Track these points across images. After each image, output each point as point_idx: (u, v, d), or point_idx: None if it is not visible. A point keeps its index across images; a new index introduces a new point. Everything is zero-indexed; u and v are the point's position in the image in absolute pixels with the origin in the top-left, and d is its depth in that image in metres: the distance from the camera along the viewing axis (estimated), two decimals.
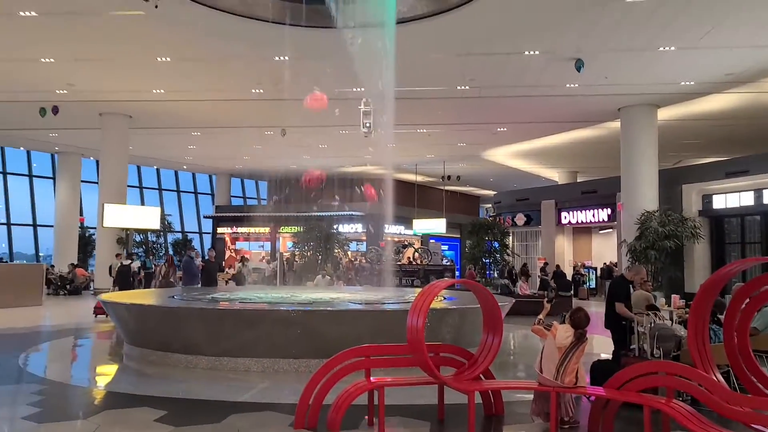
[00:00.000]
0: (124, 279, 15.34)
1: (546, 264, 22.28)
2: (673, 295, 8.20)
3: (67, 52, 13.20)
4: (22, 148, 26.29)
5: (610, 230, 24.05)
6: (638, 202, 16.83)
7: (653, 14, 10.67)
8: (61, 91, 16.13)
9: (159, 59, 13.56)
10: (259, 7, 10.74)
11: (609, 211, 22.50)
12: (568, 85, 14.92)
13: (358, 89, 14.89)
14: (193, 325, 7.81)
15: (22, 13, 10.95)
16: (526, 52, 12.81)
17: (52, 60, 13.69)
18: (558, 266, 21.81)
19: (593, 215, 23.65)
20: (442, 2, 10.49)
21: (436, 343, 5.62)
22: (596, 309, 13.72)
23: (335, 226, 26.79)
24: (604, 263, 23.52)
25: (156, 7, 9.92)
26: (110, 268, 16.98)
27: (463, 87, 15.37)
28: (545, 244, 25.55)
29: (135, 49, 13.03)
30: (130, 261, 16.42)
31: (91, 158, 26.34)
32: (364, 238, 30.80)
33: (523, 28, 11.47)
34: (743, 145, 20.92)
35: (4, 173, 26.98)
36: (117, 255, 17.16)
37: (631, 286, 7.48)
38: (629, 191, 17.27)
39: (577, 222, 24.60)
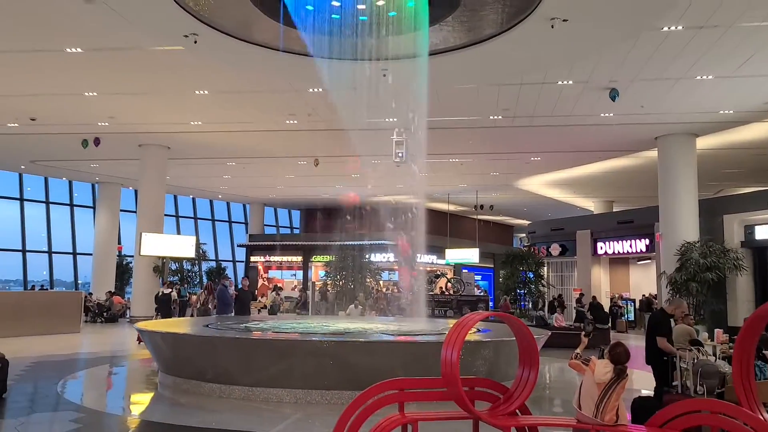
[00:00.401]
0: (164, 307, 15.61)
1: (582, 295, 21.85)
2: (716, 330, 7.95)
3: (109, 86, 13.63)
4: (64, 179, 27.07)
5: (649, 261, 23.52)
6: (678, 233, 16.44)
7: (689, 44, 10.55)
8: (103, 124, 16.63)
9: (197, 92, 13.91)
10: (293, 40, 10.95)
11: (647, 241, 22.03)
12: (603, 114, 14.80)
13: (391, 119, 15.05)
14: (227, 354, 7.84)
15: (68, 50, 11.36)
16: (560, 82, 12.76)
17: (95, 94, 14.15)
18: (594, 297, 21.37)
19: (630, 246, 23.18)
20: (474, 34, 10.54)
21: (470, 377, 5.51)
22: (635, 342, 13.36)
23: (367, 255, 26.80)
24: (643, 295, 22.97)
25: (195, 42, 10.21)
26: (156, 296, 17.32)
27: (495, 116, 15.36)
28: (581, 274, 25.08)
29: (174, 82, 13.39)
30: (170, 290, 16.69)
31: (130, 188, 26.97)
32: (396, 267, 30.70)
33: (556, 58, 11.44)
34: None
35: (47, 203, 27.77)
36: (165, 284, 17.47)
37: (672, 319, 7.26)
38: (668, 221, 16.90)
39: (614, 252, 24.12)
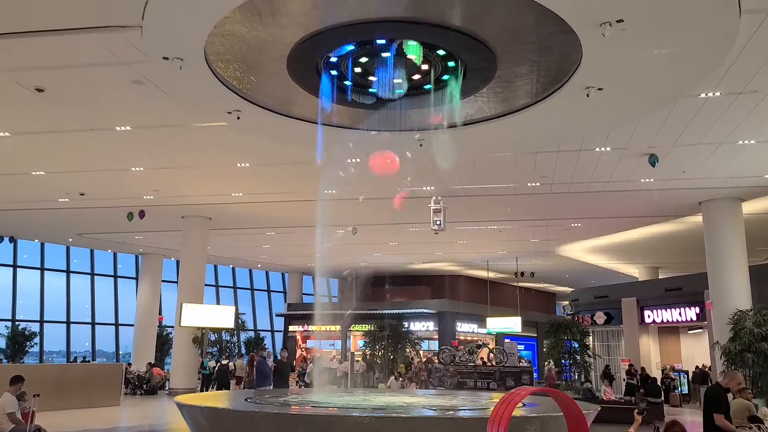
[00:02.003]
0: (223, 377, 15.51)
1: (631, 366, 21.00)
2: None
3: (155, 160, 14.14)
4: (109, 251, 27.80)
5: (700, 330, 22.59)
6: (729, 301, 15.81)
7: (728, 109, 10.46)
8: (148, 197, 17.16)
9: (238, 165, 14.30)
10: (331, 114, 11.24)
11: (697, 309, 21.23)
12: (643, 180, 14.62)
13: (428, 188, 15.15)
14: (266, 429, 7.68)
15: (118, 128, 11.89)
16: (597, 149, 12.72)
17: (141, 169, 14.68)
18: (643, 369, 20.49)
19: (680, 314, 22.34)
20: (509, 104, 10.65)
21: None
22: (691, 418, 12.68)
23: (406, 324, 26.46)
24: (697, 367, 21.95)
25: (238, 118, 10.57)
26: (214, 369, 17.35)
27: (533, 183, 15.31)
28: (629, 344, 24.18)
29: (217, 156, 13.82)
30: (227, 361, 16.65)
31: (172, 258, 27.49)
32: (436, 336, 30.20)
33: (593, 126, 11.44)
34: None
35: (92, 274, 28.47)
36: (222, 355, 17.52)
37: (729, 393, 6.89)
38: (718, 289, 16.30)
39: (663, 321, 23.26)
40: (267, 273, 35.00)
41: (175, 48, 7.93)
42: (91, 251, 28.20)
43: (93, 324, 28.14)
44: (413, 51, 8.06)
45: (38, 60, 9.01)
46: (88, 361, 24.27)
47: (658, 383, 18.80)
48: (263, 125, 11.38)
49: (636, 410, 5.06)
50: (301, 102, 10.23)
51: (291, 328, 33.31)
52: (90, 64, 9.04)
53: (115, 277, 29.39)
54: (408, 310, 29.24)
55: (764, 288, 16.92)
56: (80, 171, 14.90)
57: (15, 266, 26.47)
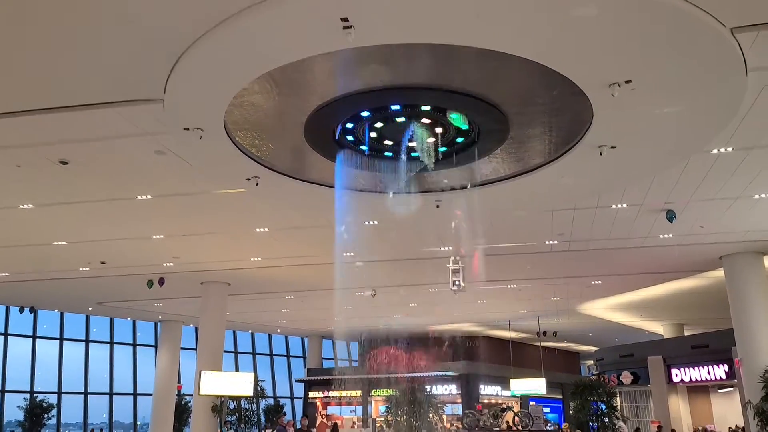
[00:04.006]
0: None
1: (660, 428, 20.29)
2: None
3: (175, 228, 14.36)
4: (128, 318, 27.86)
5: (731, 389, 21.88)
6: (758, 357, 15.35)
7: (741, 164, 10.48)
8: (168, 264, 17.32)
9: (257, 230, 14.47)
10: (348, 178, 11.43)
11: (726, 367, 20.63)
12: (662, 236, 14.52)
13: (446, 248, 15.15)
14: None
15: (139, 197, 12.16)
16: (614, 206, 12.72)
17: (161, 236, 14.89)
18: (673, 430, 19.79)
19: (708, 372, 21.71)
20: (523, 164, 10.77)
21: None
22: None
23: (428, 388, 25.92)
24: (730, 428, 21.15)
25: (257, 184, 10.79)
26: None
27: (551, 241, 15.27)
28: (657, 405, 23.44)
29: (236, 222, 14.01)
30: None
31: (191, 325, 27.47)
32: (459, 400, 29.51)
33: (607, 183, 11.49)
34: None
35: (111, 343, 28.46)
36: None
37: None
38: (745, 345, 15.87)
39: (691, 380, 22.59)
40: (286, 338, 34.76)
41: (196, 119, 8.20)
42: (111, 320, 28.29)
43: (111, 394, 27.94)
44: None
45: (63, 134, 9.32)
46: None
47: None
48: (281, 190, 11.58)
49: None
50: (319, 167, 10.44)
51: (311, 394, 32.77)
52: (113, 136, 9.32)
53: (134, 345, 29.36)
54: (430, 373, 28.71)
55: None
56: (102, 240, 15.14)
57: (34, 337, 26.59)
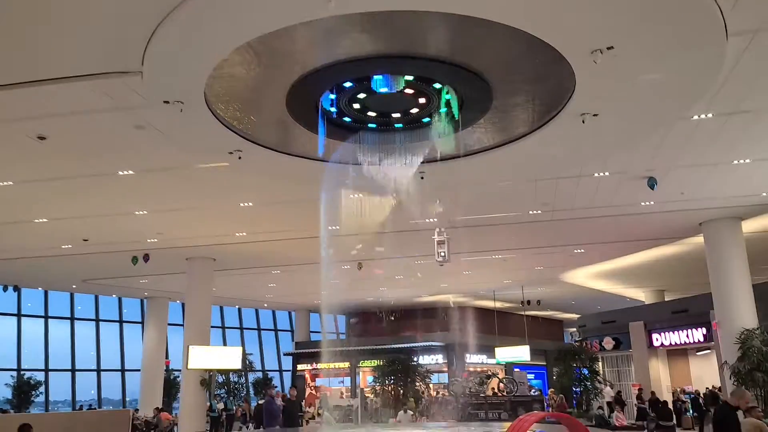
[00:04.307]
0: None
1: (641, 390, 20.78)
2: None
3: (158, 203, 14.26)
4: (114, 296, 27.77)
5: (709, 351, 22.41)
6: (735, 320, 15.75)
7: (721, 130, 10.59)
8: (152, 240, 17.24)
9: (241, 204, 14.41)
10: (333, 150, 11.39)
11: (704, 330, 21.11)
12: (643, 203, 14.69)
13: (431, 220, 15.22)
14: None
15: (121, 173, 12.04)
16: (596, 174, 12.82)
17: (145, 212, 14.79)
18: (653, 393, 20.28)
19: (687, 336, 22.22)
20: (506, 134, 10.80)
21: None
22: None
23: (415, 358, 26.27)
24: (707, 388, 21.70)
25: (240, 158, 10.71)
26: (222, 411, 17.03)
27: (535, 211, 15.39)
28: (638, 368, 23.98)
29: (220, 196, 13.94)
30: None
31: (177, 301, 27.45)
32: (446, 369, 29.93)
33: (590, 152, 11.55)
34: None
35: (97, 320, 28.39)
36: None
37: (741, 412, 6.84)
38: (723, 309, 16.25)
39: (671, 344, 23.10)
40: (274, 312, 34.86)
41: (176, 92, 8.10)
42: (96, 297, 28.19)
43: (98, 371, 27.95)
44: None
45: (40, 108, 9.18)
46: (94, 409, 24.01)
47: (669, 406, 18.61)
48: (265, 164, 11.52)
49: (645, 431, 5.04)
50: (302, 140, 10.39)
51: (299, 366, 33.05)
52: (91, 110, 9.20)
53: (121, 322, 29.31)
54: (417, 344, 29.07)
55: None
56: (83, 217, 15.02)
57: (19, 315, 26.44)
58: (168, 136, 10.04)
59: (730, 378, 15.38)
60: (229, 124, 9.45)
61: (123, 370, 28.66)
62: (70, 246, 17.55)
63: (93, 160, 11.48)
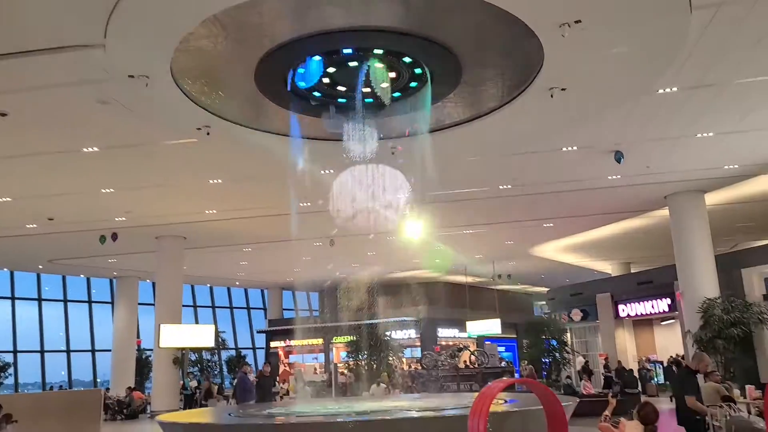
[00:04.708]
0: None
1: (607, 359, 21.36)
2: (747, 386, 7.73)
3: (125, 181, 14.04)
4: (82, 276, 27.37)
5: (673, 321, 23.07)
6: (698, 290, 16.24)
7: (686, 103, 10.80)
8: (120, 219, 16.99)
9: (211, 181, 14.27)
10: (302, 126, 11.33)
11: (668, 301, 21.71)
12: (610, 177, 14.94)
13: (402, 195, 15.26)
14: None
15: (85, 150, 11.80)
16: (564, 149, 12.99)
17: (111, 190, 14.55)
18: (620, 362, 20.87)
19: (652, 306, 22.82)
20: (476, 108, 10.86)
21: None
22: (667, 406, 12.93)
23: (388, 333, 26.49)
24: (671, 356, 22.41)
25: (208, 134, 10.59)
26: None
27: (505, 186, 15.55)
28: (605, 339, 24.60)
29: (188, 173, 13.78)
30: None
31: (148, 281, 27.18)
32: (418, 343, 30.27)
33: (559, 126, 11.69)
34: None
35: (65, 301, 27.97)
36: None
37: (702, 376, 7.10)
38: (687, 279, 16.72)
39: (636, 314, 23.72)
40: (246, 290, 34.76)
41: (140, 66, 7.96)
42: (63, 278, 27.74)
43: (68, 352, 27.63)
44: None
45: (0, 83, 8.94)
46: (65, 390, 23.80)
47: (635, 375, 19.18)
48: (234, 140, 11.41)
49: (610, 394, 5.22)
50: (272, 115, 10.30)
51: (273, 344, 33.11)
52: (54, 85, 8.98)
53: (90, 302, 28.92)
54: (389, 319, 29.29)
55: (731, 276, 17.43)
56: (48, 195, 14.71)
57: None
58: (133, 111, 9.86)
59: (693, 346, 15.89)
60: (196, 99, 9.33)
61: (93, 351, 28.37)
62: (35, 225, 17.22)
63: (56, 137, 11.23)
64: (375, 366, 22.18)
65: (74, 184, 13.99)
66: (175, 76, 8.38)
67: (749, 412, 6.46)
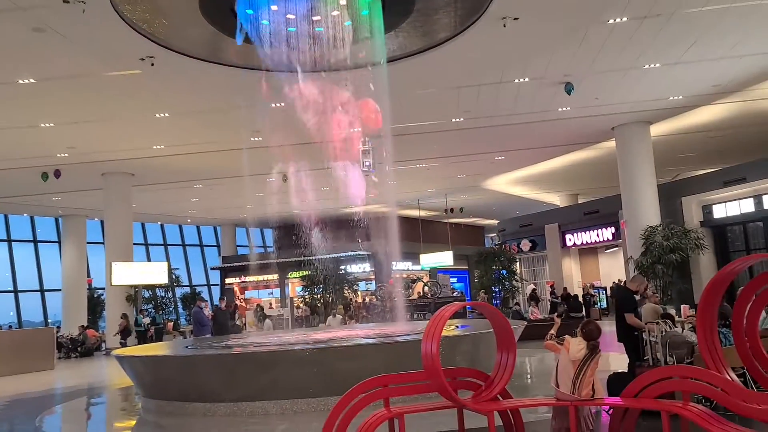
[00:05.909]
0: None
1: (553, 287, 22.26)
2: (682, 306, 8.22)
3: (66, 115, 13.49)
4: (25, 215, 26.52)
5: (616, 249, 24.04)
6: (641, 219, 16.91)
7: (634, 34, 10.92)
8: (62, 155, 16.40)
9: (157, 115, 13.85)
10: (250, 56, 11.02)
11: (613, 229, 22.54)
12: (560, 109, 15.16)
13: (356, 129, 15.17)
14: (210, 372, 7.82)
15: (20, 81, 11.24)
16: (516, 80, 13.06)
17: (51, 124, 13.98)
18: (565, 288, 21.78)
19: (597, 235, 23.68)
20: (429, 39, 10.76)
21: (452, 368, 5.62)
22: (609, 328, 13.62)
23: (343, 267, 26.83)
24: (613, 282, 23.47)
25: (152, 65, 10.22)
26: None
27: (457, 119, 15.61)
28: (552, 267, 25.51)
29: (133, 107, 13.32)
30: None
31: (96, 219, 26.56)
32: (373, 277, 30.77)
33: (511, 57, 11.72)
34: (738, 154, 21.06)
35: (9, 241, 27.14)
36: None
37: (640, 296, 7.51)
38: (631, 208, 17.36)
39: (582, 243, 24.60)
40: (198, 228, 34.38)
41: None
42: (6, 216, 26.83)
43: (15, 292, 27.04)
44: None
45: None
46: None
47: (580, 300, 20.09)
48: (179, 71, 11.06)
49: (556, 314, 5.47)
50: (219, 45, 9.99)
51: (228, 280, 33.12)
52: None
53: (35, 242, 28.16)
54: (344, 254, 29.58)
55: (672, 204, 18.17)
56: None
57: None
58: (70, 39, 9.40)
59: (635, 271, 16.65)
60: (138, 27, 8.94)
61: (42, 291, 27.84)
62: None
63: None
64: (331, 299, 22.56)
65: (10, 117, 13.38)
66: (114, 1, 7.98)
67: (683, 329, 6.91)
